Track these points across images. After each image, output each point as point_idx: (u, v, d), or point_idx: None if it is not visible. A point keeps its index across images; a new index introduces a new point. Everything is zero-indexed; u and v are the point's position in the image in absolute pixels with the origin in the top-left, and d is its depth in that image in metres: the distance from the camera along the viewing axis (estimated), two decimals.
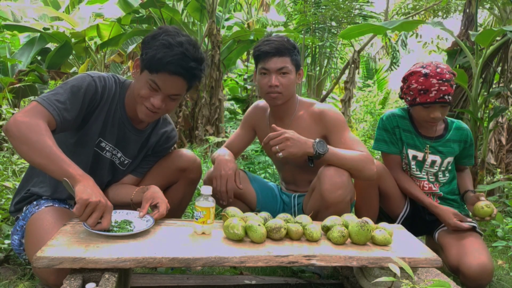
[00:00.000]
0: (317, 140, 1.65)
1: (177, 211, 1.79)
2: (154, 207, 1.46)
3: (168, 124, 1.75)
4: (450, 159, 1.98)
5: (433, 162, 1.98)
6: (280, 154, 1.60)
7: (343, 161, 1.65)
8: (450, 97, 1.84)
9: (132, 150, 1.65)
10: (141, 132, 1.64)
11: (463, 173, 2.11)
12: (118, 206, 1.63)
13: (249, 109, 2.09)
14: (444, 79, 1.83)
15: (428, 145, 1.97)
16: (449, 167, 2.00)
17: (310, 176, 1.93)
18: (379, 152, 2.12)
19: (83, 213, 1.21)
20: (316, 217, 1.61)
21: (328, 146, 1.65)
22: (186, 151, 1.77)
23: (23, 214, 1.53)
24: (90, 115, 1.51)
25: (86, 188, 1.23)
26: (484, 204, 1.85)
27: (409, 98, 1.92)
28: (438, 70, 1.85)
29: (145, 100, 1.47)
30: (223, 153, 1.86)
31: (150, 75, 1.43)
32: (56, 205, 1.51)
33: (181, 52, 1.40)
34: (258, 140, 2.16)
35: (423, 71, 1.86)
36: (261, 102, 2.04)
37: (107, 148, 1.59)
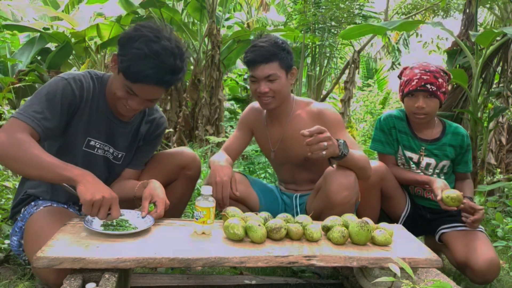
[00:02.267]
0: (341, 140, 1.61)
1: (176, 209, 1.78)
2: (155, 204, 1.45)
3: (156, 111, 1.74)
4: (445, 162, 1.97)
5: (428, 165, 1.97)
6: (324, 152, 1.52)
7: (356, 161, 1.64)
8: (433, 87, 1.85)
9: (123, 142, 1.64)
10: (128, 124, 1.63)
11: (463, 182, 2.05)
12: (123, 202, 1.64)
13: (245, 110, 2.08)
14: (427, 70, 1.88)
15: (423, 148, 1.97)
16: (445, 170, 1.99)
17: (309, 175, 1.93)
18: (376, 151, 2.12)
19: (91, 212, 1.25)
20: (320, 217, 1.59)
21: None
22: (186, 149, 1.77)
23: (21, 215, 1.52)
24: (72, 118, 1.49)
25: (87, 188, 1.24)
26: (449, 195, 1.73)
27: (400, 94, 1.98)
28: (425, 64, 1.92)
29: (122, 101, 1.47)
30: (219, 159, 1.81)
31: (126, 80, 1.40)
32: (55, 205, 1.51)
33: (156, 66, 1.36)
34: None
35: (411, 65, 1.95)
36: (257, 103, 2.02)
37: (98, 146, 1.58)
